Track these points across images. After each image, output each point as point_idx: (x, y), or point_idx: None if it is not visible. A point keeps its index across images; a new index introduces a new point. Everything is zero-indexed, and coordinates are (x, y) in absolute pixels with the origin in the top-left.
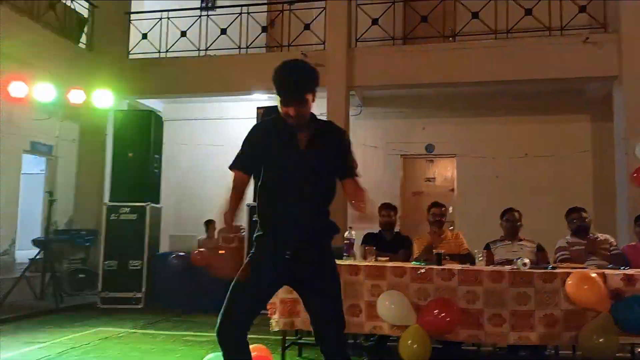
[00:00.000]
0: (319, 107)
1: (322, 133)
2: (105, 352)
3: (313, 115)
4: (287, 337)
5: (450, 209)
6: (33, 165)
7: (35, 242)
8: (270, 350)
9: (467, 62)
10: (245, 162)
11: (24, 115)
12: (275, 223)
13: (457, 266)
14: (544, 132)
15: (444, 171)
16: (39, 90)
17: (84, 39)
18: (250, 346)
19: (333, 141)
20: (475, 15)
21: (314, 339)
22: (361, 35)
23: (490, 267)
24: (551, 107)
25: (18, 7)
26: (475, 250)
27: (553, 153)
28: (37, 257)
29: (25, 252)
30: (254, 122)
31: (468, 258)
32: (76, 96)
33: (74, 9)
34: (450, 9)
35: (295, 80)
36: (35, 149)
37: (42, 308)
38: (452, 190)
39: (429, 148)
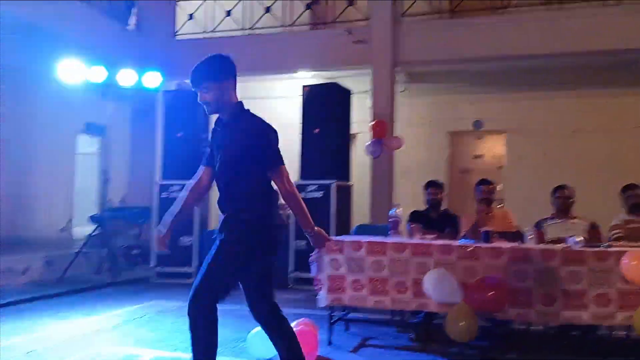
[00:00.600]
0: (364, 84)
1: (239, 125)
2: (159, 325)
3: (238, 108)
4: (334, 313)
5: (499, 186)
6: (88, 145)
7: (92, 219)
8: (317, 325)
9: (518, 35)
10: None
11: (78, 97)
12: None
13: (506, 244)
14: (597, 107)
15: (493, 148)
16: (92, 72)
17: (132, 20)
18: (297, 320)
19: (249, 133)
20: None
21: (362, 314)
22: (406, 10)
23: (541, 246)
24: (605, 80)
25: None
26: (526, 229)
27: (606, 128)
28: (94, 233)
29: (83, 229)
30: (299, 100)
31: (517, 236)
32: (127, 77)
33: None
34: None
35: (194, 70)
36: (89, 129)
37: (99, 282)
38: (501, 167)
39: (477, 124)
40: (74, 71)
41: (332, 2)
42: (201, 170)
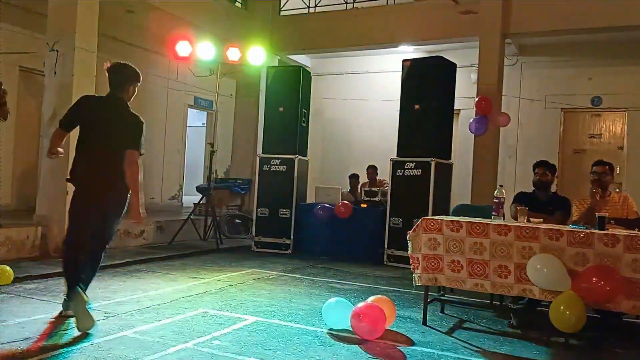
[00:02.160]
0: (470, 57)
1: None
2: (258, 291)
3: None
4: (429, 293)
5: (617, 169)
6: (196, 119)
7: (198, 189)
8: (412, 304)
9: None
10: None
11: (188, 72)
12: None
13: (623, 231)
14: None
15: (612, 127)
16: (201, 49)
17: None
18: (374, 297)
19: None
20: None
21: (458, 297)
22: None
23: None
24: None
25: None
26: None
27: None
28: (200, 202)
29: (191, 198)
30: (399, 75)
31: (637, 224)
32: (233, 53)
33: None
34: None
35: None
36: (197, 103)
37: (205, 248)
38: (621, 148)
39: (596, 101)
40: (184, 48)
41: None
42: None
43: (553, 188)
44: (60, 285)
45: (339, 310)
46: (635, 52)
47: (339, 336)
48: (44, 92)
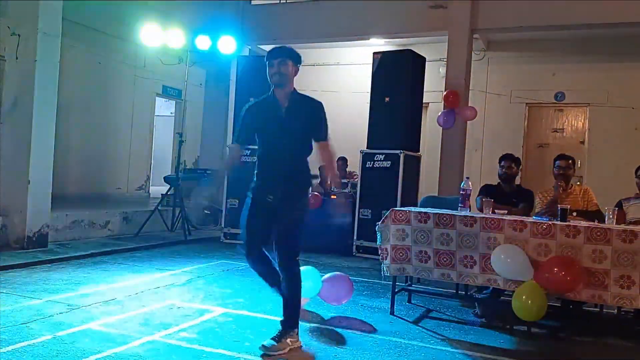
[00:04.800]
0: (439, 52)
1: (299, 101)
2: (227, 283)
3: (295, 91)
4: (397, 283)
5: (579, 162)
6: (165, 108)
7: (166, 180)
8: (380, 295)
9: (610, 0)
10: (239, 137)
11: (156, 60)
12: (265, 176)
13: (584, 223)
14: None
15: (574, 122)
16: (170, 37)
17: None
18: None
19: (307, 109)
20: None
21: (424, 287)
22: None
23: (622, 226)
24: None
25: None
26: (606, 208)
27: None
28: (168, 193)
29: (158, 188)
30: (369, 67)
31: (597, 215)
32: (203, 42)
33: None
34: None
35: (281, 47)
36: (166, 92)
37: (173, 239)
38: (583, 142)
39: (559, 96)
40: (153, 35)
41: None
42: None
43: (517, 181)
44: (22, 277)
45: (309, 278)
46: (598, 49)
47: (308, 327)
48: (4, 78)
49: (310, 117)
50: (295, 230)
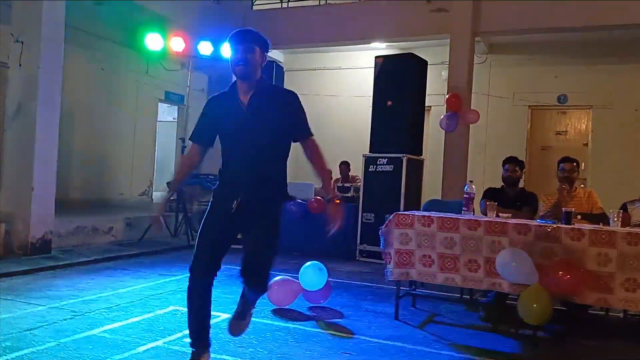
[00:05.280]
0: (441, 55)
1: (265, 94)
2: (230, 288)
3: (262, 79)
4: (401, 287)
5: (582, 165)
6: (167, 114)
7: (169, 185)
8: (384, 299)
9: (611, 3)
10: (197, 135)
11: (158, 66)
12: (225, 180)
13: (588, 226)
14: None
15: (578, 124)
16: (173, 43)
17: None
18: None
19: (278, 102)
20: None
21: (428, 291)
22: None
23: (627, 229)
24: None
25: None
26: (610, 210)
27: None
28: (171, 198)
29: (161, 193)
30: (371, 71)
31: (601, 218)
32: (205, 48)
33: None
34: None
35: (245, 30)
36: (168, 98)
37: (176, 244)
38: (586, 144)
39: (562, 99)
40: (155, 41)
41: None
42: (192, 146)
43: (521, 184)
44: (26, 283)
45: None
46: (600, 51)
47: (311, 332)
48: (7, 84)
49: (282, 111)
50: (266, 246)
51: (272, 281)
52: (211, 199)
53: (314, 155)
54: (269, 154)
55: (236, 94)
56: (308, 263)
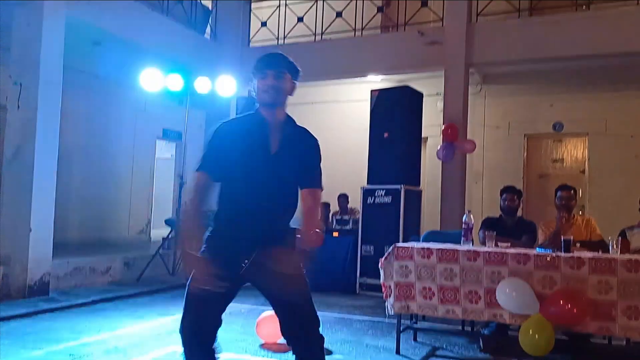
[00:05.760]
0: (436, 86)
1: (295, 137)
2: (230, 326)
3: (289, 118)
4: (402, 321)
5: (580, 192)
6: (165, 151)
7: (167, 222)
8: (385, 334)
9: (604, 32)
10: (210, 165)
11: (156, 104)
12: (234, 228)
13: (588, 254)
14: None
15: (574, 151)
16: (170, 80)
17: (208, 29)
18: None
19: (305, 148)
20: None
21: (430, 324)
22: (482, 9)
23: (626, 256)
24: None
25: (151, 3)
26: (609, 238)
27: None
28: (169, 236)
29: (159, 231)
30: (368, 104)
31: (601, 245)
32: (202, 85)
33: (200, 2)
34: None
35: (276, 54)
36: (166, 135)
37: (174, 283)
38: (583, 172)
39: (557, 127)
40: (153, 79)
41: (404, 4)
42: (202, 176)
43: (519, 213)
44: (23, 327)
45: None
46: (594, 79)
47: None
48: (5, 127)
49: (305, 156)
50: (307, 300)
51: (261, 316)
52: (205, 248)
53: (316, 206)
54: (290, 204)
55: (266, 124)
56: None
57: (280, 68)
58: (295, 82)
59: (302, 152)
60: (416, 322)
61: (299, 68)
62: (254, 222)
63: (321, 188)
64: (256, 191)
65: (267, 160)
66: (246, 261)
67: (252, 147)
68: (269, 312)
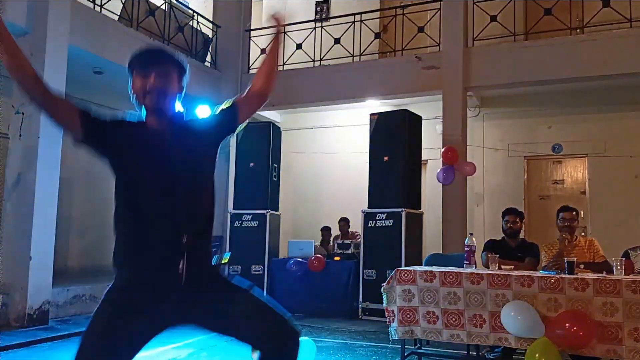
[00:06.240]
0: (435, 110)
1: (187, 124)
2: (231, 356)
3: (178, 113)
4: (406, 346)
5: (582, 213)
6: None
7: None
8: (389, 359)
9: (599, 55)
10: (90, 112)
11: None
12: (140, 245)
13: (592, 275)
14: None
15: (574, 172)
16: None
17: (208, 57)
18: None
19: (204, 122)
20: (606, 3)
21: (434, 349)
22: (478, 34)
23: (631, 277)
24: None
25: (151, 31)
26: (613, 258)
27: None
28: None
29: None
30: (367, 128)
31: (604, 266)
32: (203, 112)
33: (200, 30)
34: None
35: (159, 49)
36: None
37: None
38: (584, 192)
39: (556, 148)
40: None
41: (401, 30)
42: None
43: (521, 234)
44: (21, 357)
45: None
46: (592, 100)
47: None
48: (7, 155)
49: (205, 136)
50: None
51: None
52: (112, 297)
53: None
54: (206, 200)
55: (148, 128)
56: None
57: (165, 63)
58: (183, 84)
59: (203, 128)
60: (420, 347)
61: (185, 63)
62: (165, 238)
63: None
64: (157, 197)
65: (162, 153)
66: (173, 295)
67: (140, 145)
68: None
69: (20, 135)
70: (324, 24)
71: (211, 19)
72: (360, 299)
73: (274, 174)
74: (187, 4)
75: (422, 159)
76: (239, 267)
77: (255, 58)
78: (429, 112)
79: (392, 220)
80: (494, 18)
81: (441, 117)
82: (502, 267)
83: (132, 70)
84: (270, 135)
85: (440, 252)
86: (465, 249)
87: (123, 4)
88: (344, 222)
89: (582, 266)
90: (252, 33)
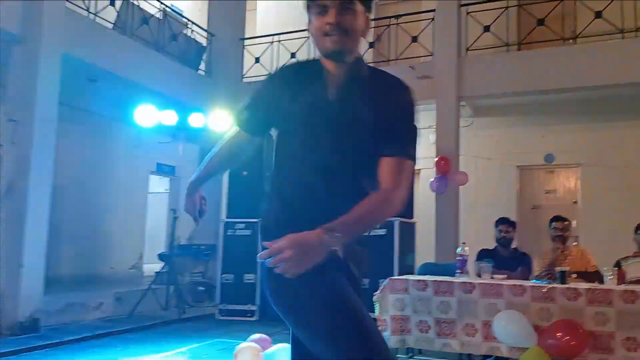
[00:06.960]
0: (428, 119)
1: (369, 82)
2: None
3: (360, 59)
4: (398, 356)
5: (574, 223)
6: (159, 185)
7: (160, 257)
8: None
9: (591, 65)
10: (248, 119)
11: (150, 139)
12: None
13: (584, 285)
14: None
15: (566, 182)
16: (164, 116)
17: (202, 65)
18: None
19: (385, 97)
20: (598, 14)
21: (426, 358)
22: (472, 44)
23: (622, 287)
24: None
25: (146, 40)
26: (605, 268)
27: None
28: (162, 270)
29: (152, 266)
30: None
31: (596, 276)
32: (196, 120)
33: (194, 39)
34: (569, 9)
35: None
36: (160, 170)
37: (167, 318)
38: (576, 202)
39: (549, 158)
40: (147, 115)
41: (395, 39)
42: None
43: (514, 244)
44: None
45: None
46: (585, 110)
47: None
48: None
49: (385, 109)
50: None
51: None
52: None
53: (393, 181)
54: (362, 175)
55: (326, 75)
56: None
57: None
58: (369, 15)
59: (384, 100)
60: (412, 357)
61: None
62: (324, 206)
63: (408, 157)
64: (321, 159)
65: (325, 112)
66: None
67: (313, 96)
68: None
69: (12, 143)
70: None
71: (205, 28)
72: None
73: (267, 182)
74: (181, 12)
75: (416, 168)
76: (232, 275)
77: (250, 66)
78: (422, 121)
79: (385, 230)
80: (487, 28)
81: (434, 127)
82: (495, 276)
83: (309, 8)
84: (263, 144)
85: (433, 261)
86: (458, 258)
87: (117, 12)
88: None
89: (574, 276)
90: (246, 42)
